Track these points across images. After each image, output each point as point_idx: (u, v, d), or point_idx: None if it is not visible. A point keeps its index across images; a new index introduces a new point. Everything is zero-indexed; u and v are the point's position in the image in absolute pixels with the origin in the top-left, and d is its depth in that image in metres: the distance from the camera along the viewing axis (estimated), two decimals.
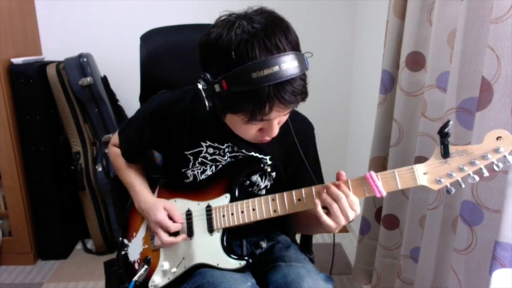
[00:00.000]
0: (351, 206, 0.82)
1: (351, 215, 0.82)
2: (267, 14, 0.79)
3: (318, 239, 1.17)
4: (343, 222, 0.82)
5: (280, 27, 0.77)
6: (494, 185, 0.98)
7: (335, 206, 0.81)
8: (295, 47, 0.78)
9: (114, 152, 1.15)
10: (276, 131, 0.87)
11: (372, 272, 1.67)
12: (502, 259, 0.89)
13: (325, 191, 0.84)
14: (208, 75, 0.78)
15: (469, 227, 1.04)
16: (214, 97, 0.79)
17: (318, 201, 0.84)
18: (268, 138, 0.89)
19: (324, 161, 1.13)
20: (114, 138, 1.15)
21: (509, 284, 0.85)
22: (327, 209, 0.84)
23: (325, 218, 0.82)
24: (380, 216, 1.56)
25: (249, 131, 0.87)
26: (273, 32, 0.75)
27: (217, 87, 0.77)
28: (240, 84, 0.75)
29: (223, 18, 0.81)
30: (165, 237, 0.97)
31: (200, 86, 0.78)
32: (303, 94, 0.80)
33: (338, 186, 0.83)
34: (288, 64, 0.74)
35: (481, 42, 1.01)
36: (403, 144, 1.42)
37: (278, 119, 0.85)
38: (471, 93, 1.05)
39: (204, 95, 0.78)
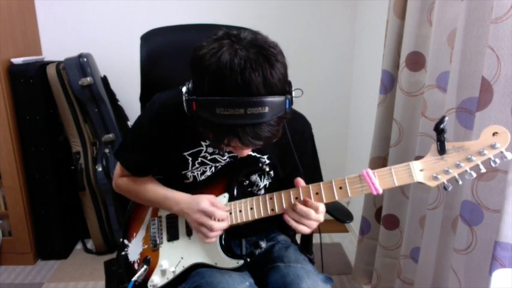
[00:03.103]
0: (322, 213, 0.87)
1: (322, 218, 0.88)
2: (258, 48, 0.74)
3: (318, 239, 1.17)
4: (315, 226, 0.88)
5: (262, 66, 0.72)
6: (494, 185, 0.98)
7: (305, 221, 0.86)
8: (275, 90, 0.74)
9: (123, 182, 1.09)
10: (244, 153, 0.89)
11: (372, 272, 1.67)
12: (502, 259, 0.89)
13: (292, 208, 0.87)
14: (190, 86, 0.79)
15: (469, 227, 1.04)
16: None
17: (288, 218, 0.88)
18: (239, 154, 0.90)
19: (324, 161, 1.13)
20: (117, 170, 1.10)
21: (509, 284, 0.85)
22: None
23: (297, 228, 0.88)
24: (380, 216, 1.56)
25: (218, 147, 0.87)
26: (251, 70, 0.71)
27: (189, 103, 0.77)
28: (205, 112, 0.75)
29: (217, 36, 0.77)
30: (215, 224, 0.91)
31: (184, 90, 0.79)
32: (268, 139, 0.77)
33: (305, 203, 0.86)
34: (255, 109, 0.72)
35: (481, 42, 1.01)
36: (403, 144, 1.42)
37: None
38: (471, 93, 1.05)
39: (184, 99, 0.79)
